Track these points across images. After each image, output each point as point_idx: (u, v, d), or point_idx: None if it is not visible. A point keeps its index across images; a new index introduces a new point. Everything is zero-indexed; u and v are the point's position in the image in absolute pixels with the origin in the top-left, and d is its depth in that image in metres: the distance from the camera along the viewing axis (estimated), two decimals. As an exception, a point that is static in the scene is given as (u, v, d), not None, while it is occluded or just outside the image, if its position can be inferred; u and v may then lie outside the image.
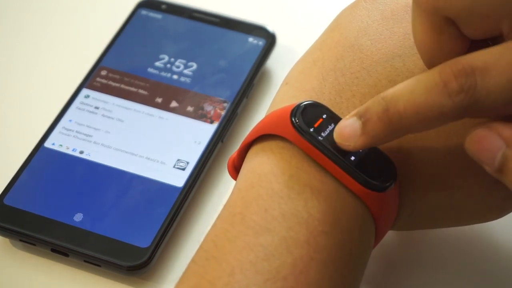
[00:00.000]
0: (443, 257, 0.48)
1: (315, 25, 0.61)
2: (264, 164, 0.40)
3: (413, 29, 0.39)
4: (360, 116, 0.38)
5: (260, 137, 0.41)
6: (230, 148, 0.55)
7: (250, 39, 0.59)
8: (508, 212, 0.43)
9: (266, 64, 0.59)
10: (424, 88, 0.36)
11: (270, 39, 0.59)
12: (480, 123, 0.37)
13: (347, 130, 0.38)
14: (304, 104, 0.40)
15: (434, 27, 0.38)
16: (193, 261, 0.39)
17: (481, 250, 0.48)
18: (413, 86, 0.36)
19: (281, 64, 0.59)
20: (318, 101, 0.41)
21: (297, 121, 0.40)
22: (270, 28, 0.59)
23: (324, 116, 0.40)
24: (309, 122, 0.40)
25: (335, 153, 0.39)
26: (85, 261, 0.48)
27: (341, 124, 0.38)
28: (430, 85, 0.36)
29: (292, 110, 0.40)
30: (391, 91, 0.37)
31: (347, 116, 0.38)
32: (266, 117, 0.42)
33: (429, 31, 0.38)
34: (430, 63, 0.39)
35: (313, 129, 0.39)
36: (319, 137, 0.39)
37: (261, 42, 0.58)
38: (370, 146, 0.38)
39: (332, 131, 0.40)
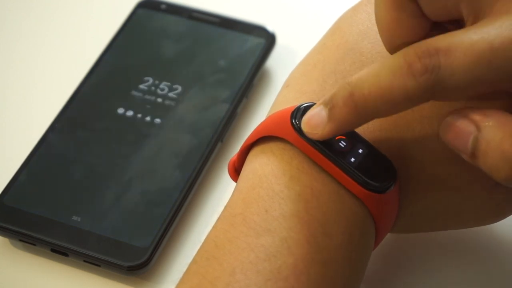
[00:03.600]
0: (443, 257, 0.48)
1: (315, 25, 0.61)
2: (264, 165, 0.40)
3: (375, 8, 0.39)
4: (326, 103, 0.38)
5: (261, 139, 0.42)
6: (230, 148, 0.55)
7: (250, 39, 0.59)
8: (507, 215, 0.43)
9: (266, 64, 0.59)
10: (388, 71, 0.36)
11: (269, 39, 0.59)
12: (452, 111, 0.37)
13: (314, 119, 0.38)
14: (304, 106, 0.40)
15: (395, 4, 0.38)
16: (194, 261, 0.39)
17: (482, 251, 0.48)
18: (378, 70, 0.37)
19: (280, 64, 0.59)
20: (319, 103, 0.41)
21: (297, 122, 0.40)
22: (270, 28, 0.59)
23: (325, 117, 0.40)
24: None
25: (335, 155, 0.39)
26: (85, 261, 0.48)
27: (308, 113, 0.39)
28: (394, 67, 0.36)
29: (293, 112, 0.40)
30: (356, 76, 0.37)
31: (314, 105, 0.38)
32: (266, 119, 0.42)
33: (390, 8, 0.38)
34: (391, 43, 0.39)
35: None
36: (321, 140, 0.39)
37: (260, 42, 0.58)
38: (338, 132, 0.38)
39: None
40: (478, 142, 0.36)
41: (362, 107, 0.37)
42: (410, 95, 0.36)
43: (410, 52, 0.36)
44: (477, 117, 0.36)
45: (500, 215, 0.43)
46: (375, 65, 0.37)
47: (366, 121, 0.38)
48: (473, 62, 0.35)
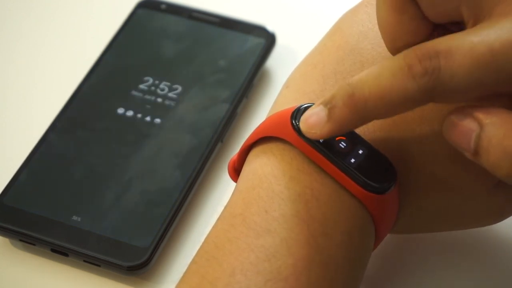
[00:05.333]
0: (443, 257, 0.48)
1: (315, 25, 0.61)
2: (264, 166, 0.40)
3: (377, 9, 0.39)
4: (326, 103, 0.38)
5: (261, 139, 0.42)
6: (230, 148, 0.55)
7: (250, 39, 0.59)
8: (508, 216, 0.43)
9: (266, 64, 0.59)
10: (389, 72, 0.36)
11: (269, 39, 0.59)
12: (454, 109, 0.37)
13: (313, 118, 0.38)
14: (305, 107, 0.40)
15: (396, 6, 0.38)
16: (194, 261, 0.39)
17: (482, 251, 0.48)
18: (378, 71, 0.37)
19: (280, 64, 0.59)
20: (319, 103, 0.41)
21: (297, 123, 0.40)
22: (270, 28, 0.59)
23: (325, 118, 0.40)
24: None
25: (335, 156, 0.39)
26: (85, 261, 0.48)
27: (307, 113, 0.38)
28: (395, 69, 0.36)
29: (293, 113, 0.40)
30: (356, 77, 0.37)
31: (314, 105, 0.38)
32: (266, 119, 0.42)
33: (391, 10, 0.38)
34: (392, 46, 0.39)
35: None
36: (319, 140, 0.39)
37: (260, 42, 0.59)
38: (336, 133, 0.38)
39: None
40: (481, 139, 0.36)
41: (362, 108, 0.37)
42: (409, 97, 0.36)
43: (410, 54, 0.36)
44: (479, 114, 0.36)
45: (500, 216, 0.43)
46: (375, 66, 0.37)
47: (365, 122, 0.38)
48: (473, 64, 0.35)
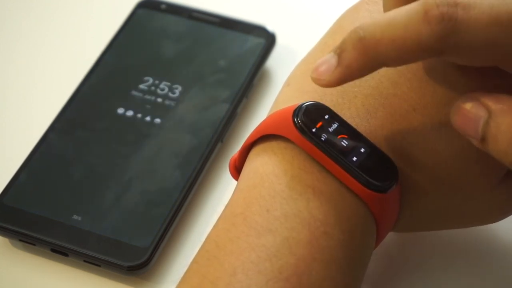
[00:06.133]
0: (444, 257, 0.48)
1: (315, 25, 0.61)
2: (266, 164, 0.40)
3: (384, 3, 0.39)
4: (336, 49, 0.37)
5: (262, 138, 0.41)
6: (230, 148, 0.55)
7: (250, 39, 0.59)
8: (509, 214, 0.43)
9: (266, 64, 0.59)
10: (404, 15, 0.35)
11: (269, 39, 0.59)
12: (463, 95, 0.37)
13: (323, 66, 0.37)
14: (306, 105, 0.40)
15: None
16: (194, 261, 0.39)
17: (482, 251, 0.48)
18: (394, 14, 0.36)
19: (281, 64, 0.59)
20: (320, 102, 0.41)
21: (299, 121, 0.40)
22: (270, 28, 0.59)
23: (326, 116, 0.40)
24: (311, 123, 0.40)
25: (337, 154, 0.39)
26: (85, 261, 0.48)
27: (319, 61, 0.37)
28: (411, 12, 0.35)
29: (294, 111, 0.40)
30: (369, 20, 0.36)
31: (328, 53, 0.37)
32: (268, 117, 0.42)
33: (398, 4, 0.38)
34: None
35: (315, 130, 0.40)
36: (321, 138, 0.39)
37: (260, 42, 0.58)
38: (345, 80, 0.37)
39: (334, 132, 0.40)
40: (489, 126, 0.36)
41: (372, 52, 0.36)
42: (423, 42, 0.35)
43: (429, 0, 0.35)
44: (488, 101, 0.36)
45: (502, 214, 0.43)
46: (391, 11, 0.36)
47: (374, 68, 0.37)
48: (490, 23, 0.34)
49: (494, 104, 0.36)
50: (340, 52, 0.37)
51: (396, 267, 0.48)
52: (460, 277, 0.48)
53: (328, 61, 0.37)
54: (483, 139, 0.36)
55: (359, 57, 0.36)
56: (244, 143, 0.42)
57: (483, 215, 0.43)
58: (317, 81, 0.37)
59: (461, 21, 0.35)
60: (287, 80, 0.44)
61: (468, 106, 0.36)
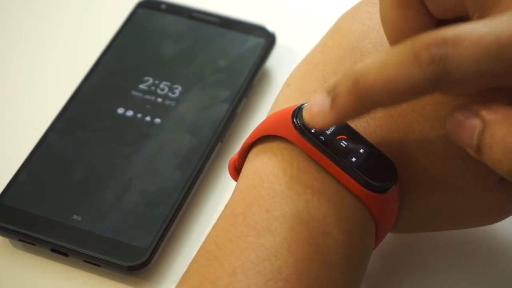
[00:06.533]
0: (444, 257, 0.48)
1: (315, 25, 0.61)
2: (265, 165, 0.40)
3: (380, 5, 0.39)
4: (329, 91, 0.37)
5: (261, 138, 0.42)
6: (230, 148, 0.55)
7: (250, 39, 0.59)
8: (509, 215, 0.43)
9: (266, 64, 0.59)
10: (395, 60, 0.35)
11: (269, 39, 0.59)
12: (459, 105, 0.37)
13: (317, 107, 0.37)
14: (306, 105, 0.40)
15: (400, 1, 0.38)
16: (194, 261, 0.39)
17: (482, 251, 0.48)
18: (384, 58, 0.36)
19: (280, 64, 0.59)
20: (320, 102, 0.41)
21: (298, 122, 0.40)
22: (270, 28, 0.59)
23: (326, 117, 0.40)
24: None
25: (336, 154, 0.39)
26: (85, 261, 0.48)
27: (310, 102, 0.37)
28: (401, 56, 0.35)
29: (294, 111, 0.40)
30: (361, 64, 0.36)
31: (317, 92, 0.37)
32: (267, 118, 0.42)
33: (395, 5, 0.38)
34: (395, 42, 0.39)
35: (314, 130, 0.40)
36: (320, 138, 0.39)
37: (260, 42, 0.58)
38: (340, 121, 0.37)
39: (333, 132, 0.40)
40: (483, 136, 0.36)
41: (366, 97, 0.36)
42: (415, 85, 0.35)
43: (418, 41, 0.35)
44: (483, 111, 0.36)
45: (502, 215, 0.43)
46: (381, 53, 0.36)
47: (368, 111, 0.37)
48: (481, 54, 0.34)
49: (489, 114, 0.36)
50: (334, 95, 0.37)
51: (396, 267, 0.48)
52: (460, 277, 0.48)
53: (322, 103, 0.37)
54: (478, 149, 0.36)
55: (354, 102, 0.36)
56: (244, 143, 0.42)
57: (483, 215, 0.43)
58: (311, 122, 0.37)
59: (452, 59, 0.34)
60: (286, 80, 0.45)
61: (463, 116, 0.36)
